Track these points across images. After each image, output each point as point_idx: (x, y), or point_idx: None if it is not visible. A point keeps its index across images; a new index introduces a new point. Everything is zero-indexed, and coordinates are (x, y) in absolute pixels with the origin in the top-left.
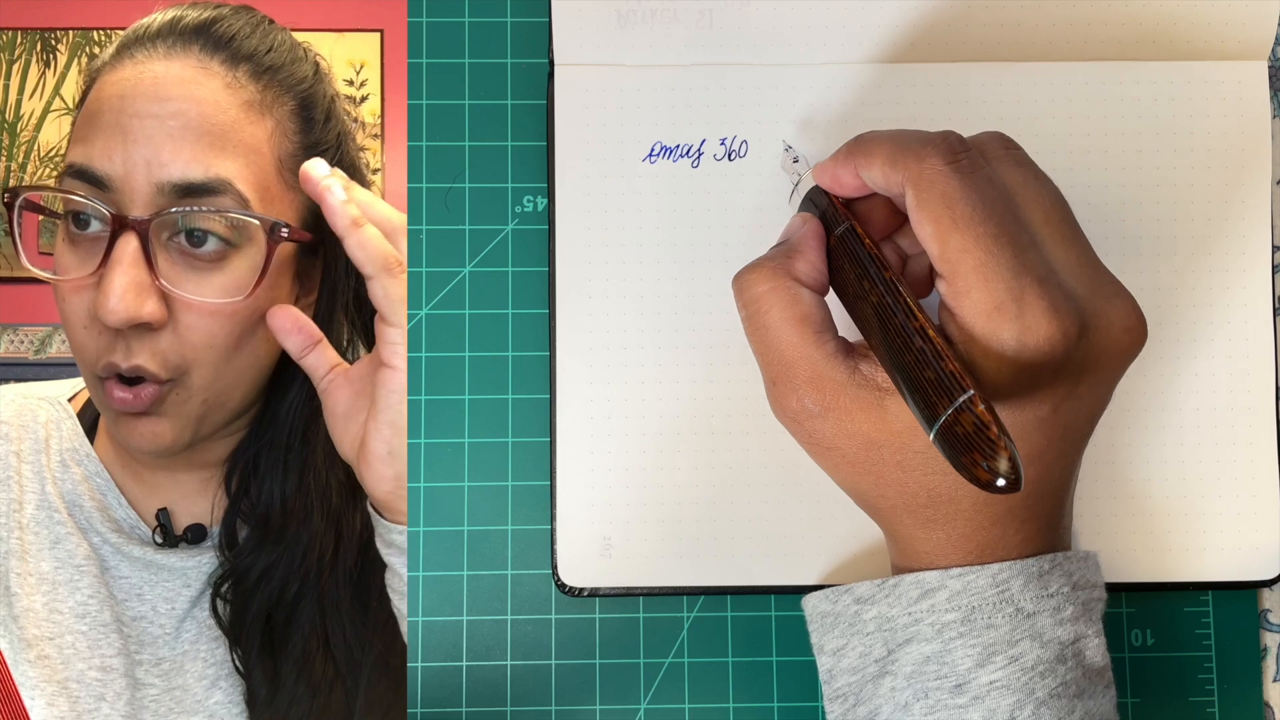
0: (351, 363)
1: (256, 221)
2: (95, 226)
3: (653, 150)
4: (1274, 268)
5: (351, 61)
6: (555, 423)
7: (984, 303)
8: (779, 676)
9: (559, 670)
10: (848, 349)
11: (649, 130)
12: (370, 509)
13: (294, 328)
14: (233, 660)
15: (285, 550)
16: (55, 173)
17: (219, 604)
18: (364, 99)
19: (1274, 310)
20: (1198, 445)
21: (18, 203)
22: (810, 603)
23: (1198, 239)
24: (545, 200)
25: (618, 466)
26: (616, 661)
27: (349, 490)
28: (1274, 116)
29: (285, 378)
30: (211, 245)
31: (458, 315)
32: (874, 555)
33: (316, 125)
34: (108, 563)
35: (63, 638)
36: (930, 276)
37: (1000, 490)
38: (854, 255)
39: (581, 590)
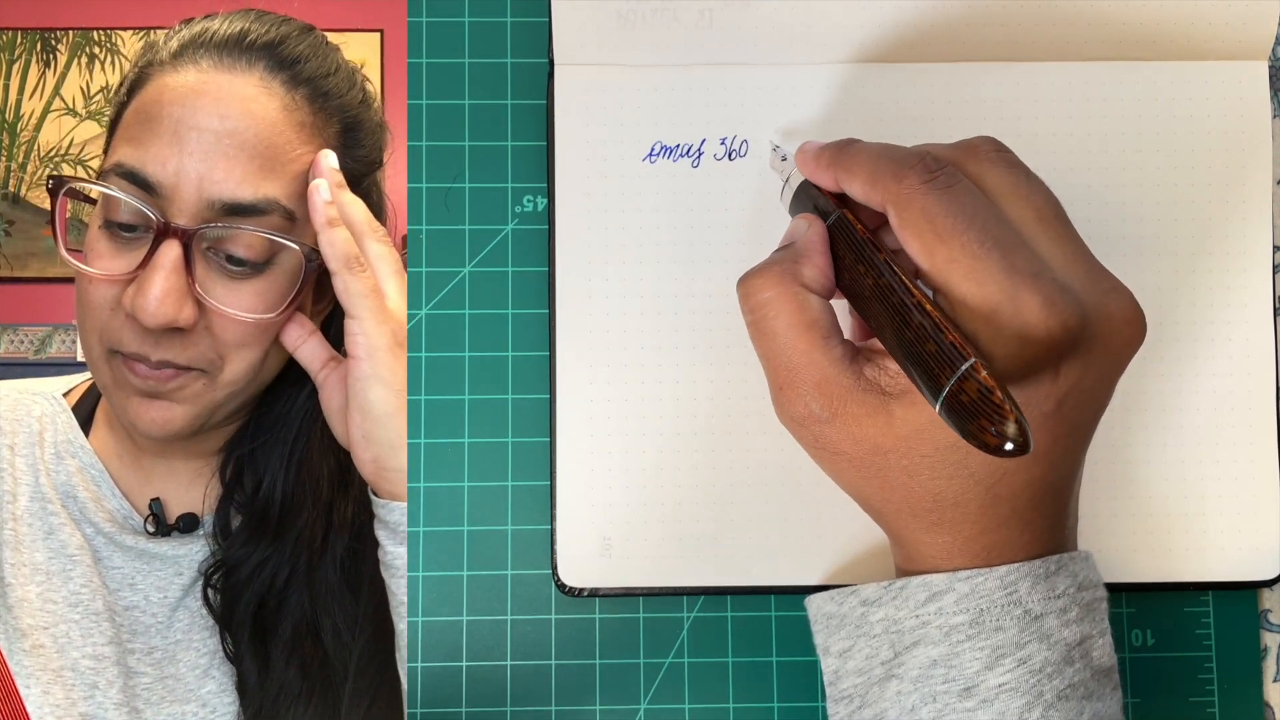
0: None
1: (296, 249)
2: (135, 228)
3: (653, 150)
4: (1274, 268)
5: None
6: (555, 423)
7: (980, 307)
8: (779, 677)
9: (559, 670)
10: (853, 353)
11: (649, 130)
12: (370, 493)
13: (290, 321)
14: (224, 647)
15: (278, 541)
16: (52, 172)
17: (209, 593)
18: None
19: (1274, 310)
20: (1197, 445)
21: (62, 191)
22: (815, 603)
23: (1198, 239)
24: (545, 200)
25: (618, 466)
26: (616, 661)
27: (339, 480)
28: (1274, 116)
29: (287, 375)
30: (246, 263)
31: (458, 315)
32: (875, 556)
33: (358, 146)
34: (100, 553)
35: (57, 627)
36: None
37: (1009, 454)
38: (848, 241)
39: (581, 590)
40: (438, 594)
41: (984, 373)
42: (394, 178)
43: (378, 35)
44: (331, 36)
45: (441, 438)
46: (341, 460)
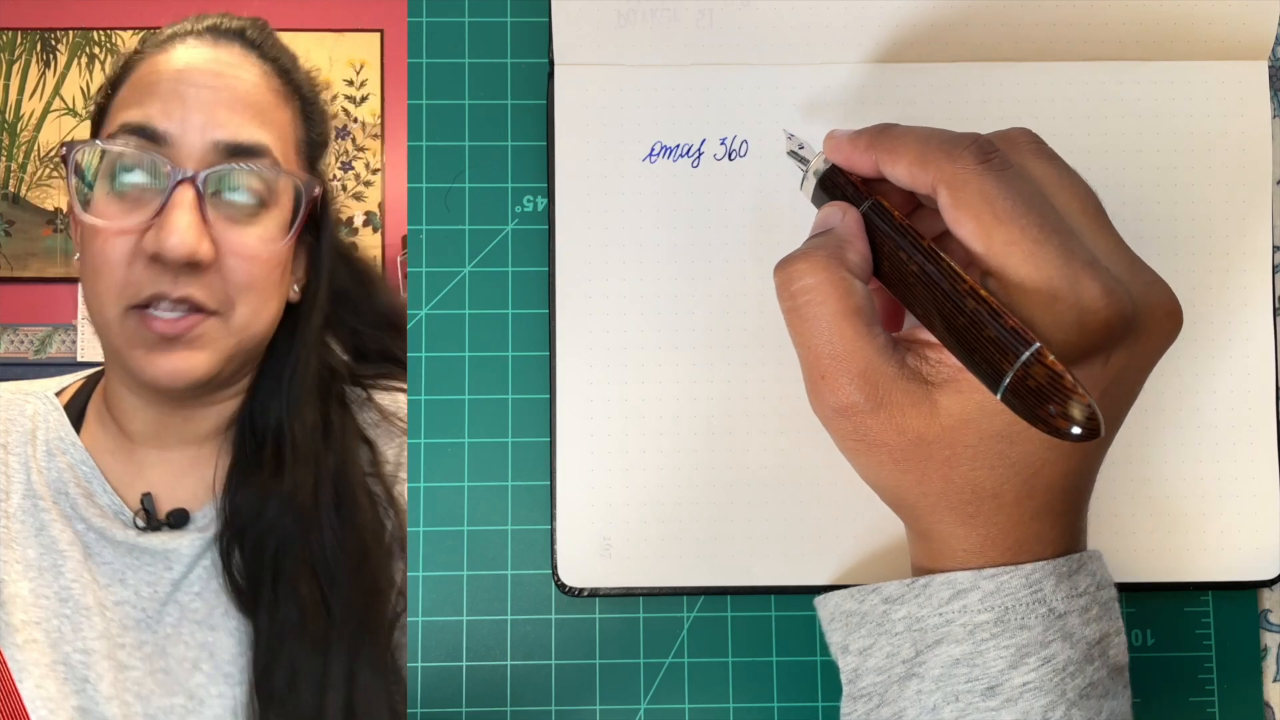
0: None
1: (294, 180)
2: (145, 181)
3: (653, 150)
4: (1274, 268)
5: (351, 61)
6: (555, 423)
7: (1039, 291)
8: (779, 676)
9: (559, 670)
10: (894, 342)
11: (649, 130)
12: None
13: None
14: (236, 604)
15: (276, 486)
16: (56, 172)
17: (229, 560)
18: (364, 99)
19: (1274, 310)
20: (1197, 445)
21: (73, 154)
22: (832, 601)
23: (1198, 239)
24: (545, 200)
25: (618, 466)
26: (616, 661)
27: (322, 432)
28: (1274, 116)
29: (277, 346)
30: (249, 202)
31: (458, 315)
32: (876, 556)
33: (314, 124)
34: (91, 548)
35: (49, 621)
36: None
37: (1078, 438)
38: (886, 228)
39: (581, 590)
40: (438, 594)
41: (1050, 357)
42: (394, 178)
43: (378, 35)
44: (332, 36)
45: (441, 438)
46: (325, 414)
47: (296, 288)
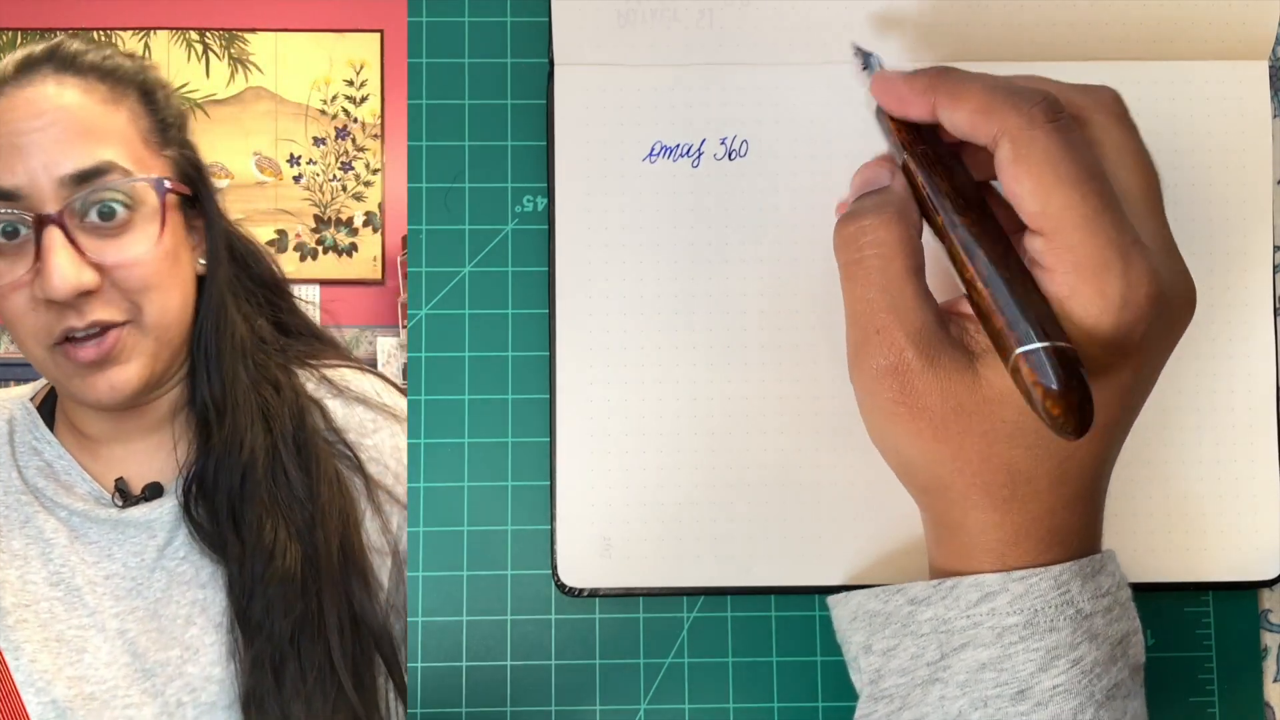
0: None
1: (145, 183)
2: (21, 233)
3: (653, 150)
4: (1274, 267)
5: (351, 61)
6: (555, 423)
7: (1090, 259)
8: (779, 677)
9: (559, 670)
10: (941, 310)
11: (649, 130)
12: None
13: None
14: (210, 555)
15: (226, 443)
16: None
17: (194, 520)
18: (364, 99)
19: (1274, 310)
20: (1197, 445)
21: None
22: (853, 601)
23: (1198, 239)
24: (545, 200)
25: (618, 466)
26: (616, 662)
27: (269, 384)
28: (1274, 116)
29: (196, 312)
30: (117, 215)
31: (458, 315)
32: (877, 555)
33: (159, 105)
34: (78, 530)
35: (39, 604)
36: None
37: (1070, 432)
38: (915, 194)
39: (581, 590)
40: (438, 594)
41: (1026, 367)
42: (394, 178)
43: (378, 35)
44: (332, 36)
45: (441, 438)
46: (266, 369)
47: (201, 260)
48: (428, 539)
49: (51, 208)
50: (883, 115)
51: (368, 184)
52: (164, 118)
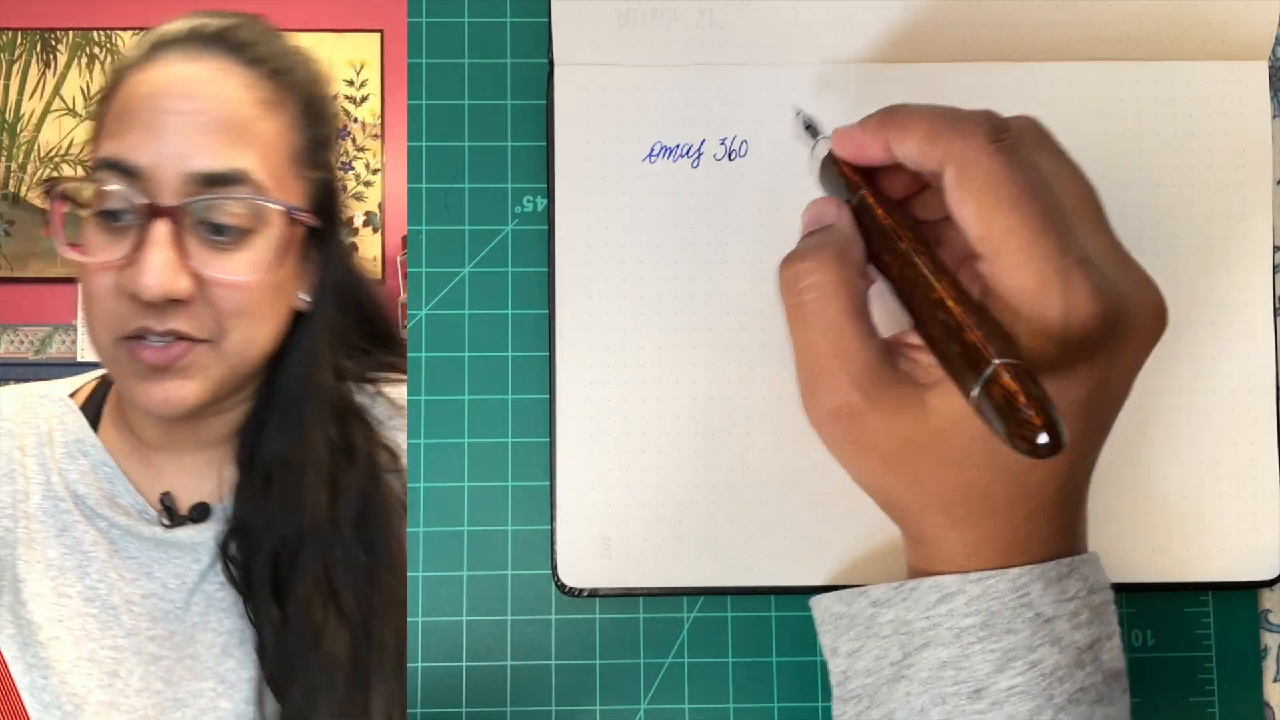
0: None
1: (274, 206)
2: (127, 215)
3: (653, 150)
4: (1274, 267)
5: (351, 61)
6: (555, 423)
7: (1030, 282)
8: (779, 677)
9: (559, 670)
10: (887, 345)
11: (649, 130)
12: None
13: None
14: (246, 613)
15: (285, 504)
16: (55, 172)
17: (229, 563)
18: (364, 99)
19: (1274, 310)
20: (1198, 445)
21: (55, 191)
22: (823, 604)
23: (1198, 239)
24: (545, 200)
25: (618, 466)
26: (616, 662)
27: (342, 448)
28: (1274, 116)
29: (291, 355)
30: (233, 230)
31: (458, 315)
32: (877, 556)
33: (318, 123)
34: (117, 544)
35: (72, 620)
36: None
37: (1040, 454)
38: (870, 227)
39: (581, 590)
40: (438, 594)
41: (1006, 376)
42: (394, 178)
43: (378, 35)
44: (332, 37)
45: (441, 438)
46: (344, 431)
47: (306, 297)
48: (428, 539)
49: (169, 200)
50: (828, 170)
51: (368, 184)
52: (318, 135)
